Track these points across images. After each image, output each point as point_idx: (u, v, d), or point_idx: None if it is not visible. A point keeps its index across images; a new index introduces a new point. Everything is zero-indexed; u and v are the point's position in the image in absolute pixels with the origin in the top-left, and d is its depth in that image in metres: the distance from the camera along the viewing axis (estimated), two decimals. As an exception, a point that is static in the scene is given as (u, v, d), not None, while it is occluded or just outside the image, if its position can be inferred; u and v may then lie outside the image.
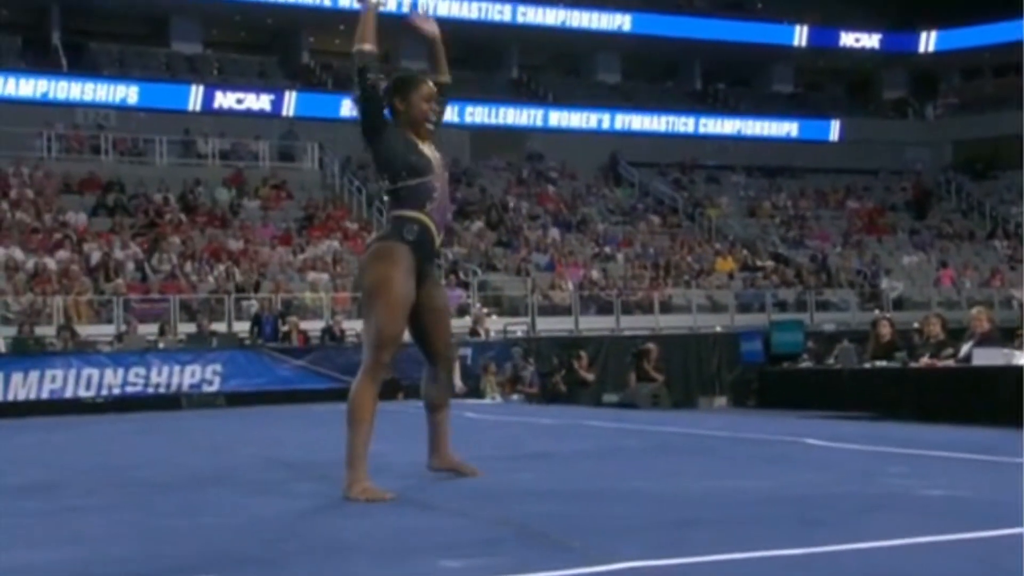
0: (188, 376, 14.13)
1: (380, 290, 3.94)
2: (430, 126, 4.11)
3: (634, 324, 19.69)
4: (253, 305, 16.98)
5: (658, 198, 27.48)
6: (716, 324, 20.37)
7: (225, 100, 25.60)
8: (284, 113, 25.85)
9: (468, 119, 27.67)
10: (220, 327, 16.18)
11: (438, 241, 4.03)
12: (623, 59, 31.58)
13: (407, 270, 3.96)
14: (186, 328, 16.21)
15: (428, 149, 4.07)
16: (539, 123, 28.85)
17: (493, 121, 28.03)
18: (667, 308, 20.50)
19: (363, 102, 3.91)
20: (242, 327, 16.34)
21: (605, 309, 19.95)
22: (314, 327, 16.58)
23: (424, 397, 4.41)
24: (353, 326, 16.98)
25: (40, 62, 25.20)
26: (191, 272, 18.35)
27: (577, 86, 31.17)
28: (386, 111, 4.05)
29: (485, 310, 18.56)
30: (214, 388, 14.22)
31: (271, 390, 14.26)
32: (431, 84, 4.16)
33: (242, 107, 25.67)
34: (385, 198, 4.06)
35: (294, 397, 14.01)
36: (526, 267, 20.79)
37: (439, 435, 4.40)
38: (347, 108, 26.60)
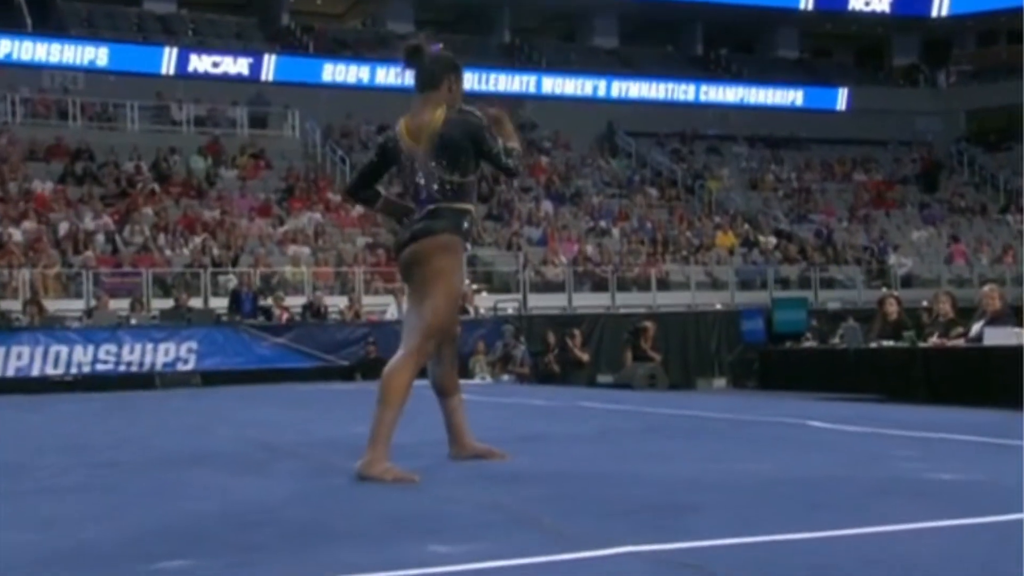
0: (162, 354, 14.10)
1: (444, 280, 4.12)
2: None
3: (630, 301, 19.70)
4: (231, 280, 16.94)
5: (656, 170, 27.44)
6: (716, 302, 20.40)
7: (200, 63, 25.44)
8: (263, 78, 25.72)
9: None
10: (196, 303, 16.12)
11: None
12: (621, 22, 31.45)
13: (463, 264, 4.23)
14: (160, 304, 16.17)
15: None
16: (532, 90, 28.74)
17: (483, 88, 27.87)
18: (665, 285, 20.53)
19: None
20: (219, 303, 16.29)
21: (600, 286, 19.97)
22: (295, 303, 16.56)
23: (433, 382, 4.44)
24: (336, 302, 16.99)
25: (3, 21, 24.96)
26: (165, 245, 18.28)
27: (572, 51, 31.05)
28: (438, 83, 4.22)
29: (475, 286, 18.56)
30: (189, 367, 14.19)
31: (250, 369, 14.24)
32: None
33: (218, 71, 25.53)
34: (447, 187, 4.16)
35: (274, 376, 14.01)
36: (517, 242, 20.78)
37: (457, 422, 4.45)
38: (329, 73, 26.50)
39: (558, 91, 28.90)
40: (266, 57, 26.00)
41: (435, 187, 4.16)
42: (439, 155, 4.16)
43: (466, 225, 4.22)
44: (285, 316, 15.73)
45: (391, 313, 16.72)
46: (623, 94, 29.60)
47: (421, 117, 4.23)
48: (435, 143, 4.16)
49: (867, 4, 32.64)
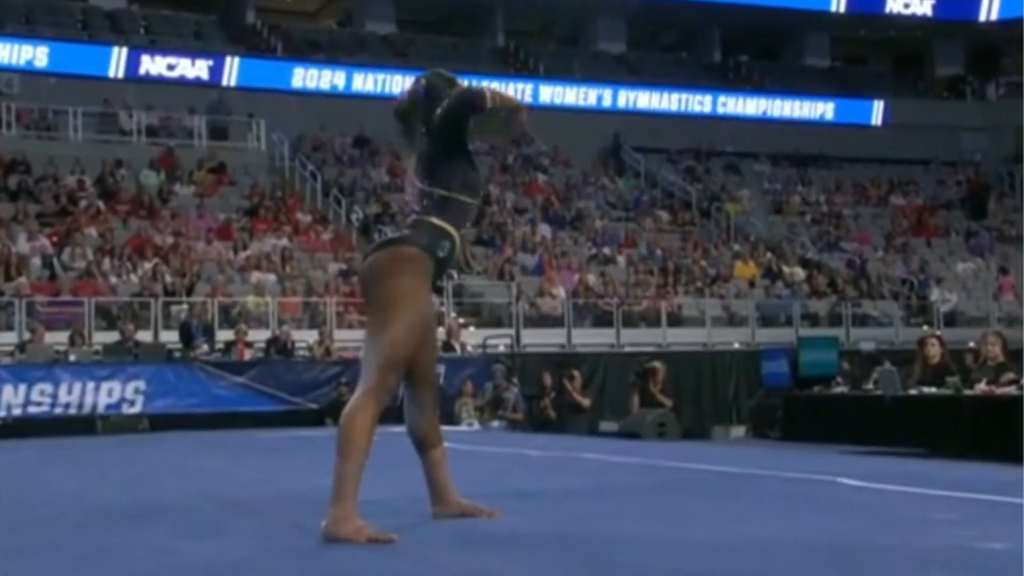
0: (104, 395, 14.04)
1: (403, 303, 4.08)
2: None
3: (637, 339, 19.72)
4: (184, 311, 16.93)
5: (667, 190, 27.56)
6: (734, 340, 20.41)
7: (153, 65, 25.55)
8: (224, 82, 25.83)
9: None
10: (144, 336, 16.10)
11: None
12: (628, 25, 31.71)
13: (429, 287, 4.19)
14: (103, 337, 16.11)
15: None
16: (528, 99, 28.80)
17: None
18: (676, 320, 20.55)
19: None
20: (170, 337, 16.28)
21: (603, 321, 19.98)
22: (258, 338, 16.56)
23: (412, 432, 4.42)
24: (304, 337, 16.97)
25: (-70, 16, 25.10)
26: (110, 270, 18.25)
27: (574, 56, 31.25)
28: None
29: (461, 320, 18.57)
30: (136, 409, 14.14)
31: (205, 412, 14.21)
32: None
33: (174, 74, 25.63)
34: (425, 201, 4.23)
35: (233, 421, 14.00)
36: (510, 270, 20.80)
37: (439, 477, 4.41)
38: (299, 78, 26.65)
39: (558, 101, 29.07)
40: (228, 59, 26.12)
41: (415, 201, 4.28)
42: (417, 165, 4.29)
43: (442, 252, 4.19)
44: (246, 352, 15.70)
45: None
46: (630, 105, 29.78)
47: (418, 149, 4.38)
48: (417, 159, 4.32)
49: (906, 6, 32.94)
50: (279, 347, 16.01)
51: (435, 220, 4.22)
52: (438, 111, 4.25)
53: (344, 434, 4.03)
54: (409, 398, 4.40)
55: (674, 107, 30.21)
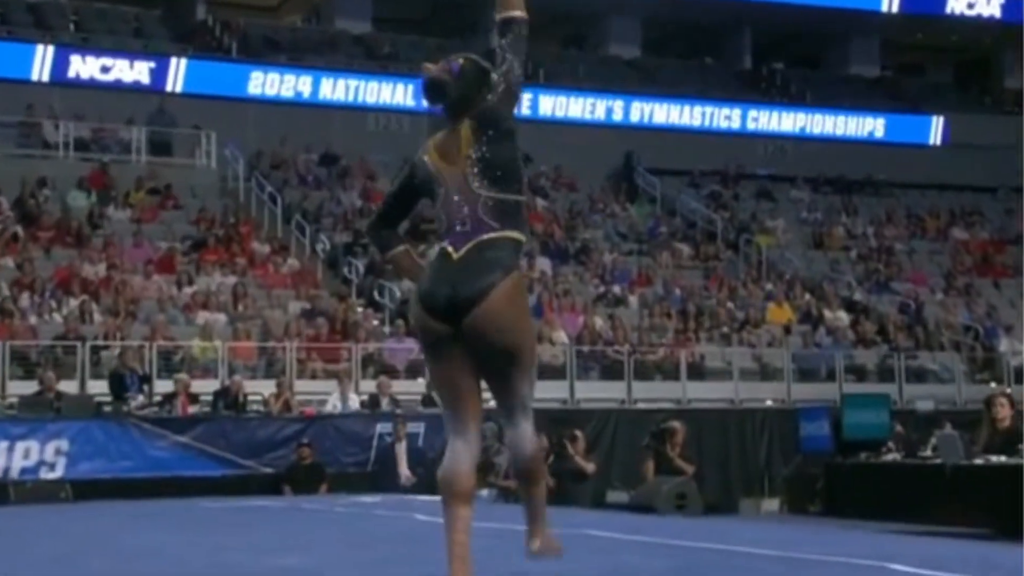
0: (20, 456, 13.94)
1: (531, 339, 4.73)
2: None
3: (652, 393, 19.69)
4: (116, 357, 16.89)
5: (688, 219, 27.61)
6: (766, 396, 20.39)
7: (85, 67, 25.60)
8: (169, 88, 25.89)
9: (426, 103, 27.77)
10: (69, 387, 16.02)
11: None
12: (645, 26, 31.89)
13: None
14: (19, 388, 16.06)
15: None
16: (525, 112, 28.95)
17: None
18: (698, 372, 20.53)
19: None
20: (100, 388, 16.20)
21: (612, 372, 19.95)
22: (204, 389, 16.51)
23: (459, 478, 4.69)
24: (259, 388, 16.93)
25: None
26: (29, 308, 18.21)
27: (580, 61, 31.42)
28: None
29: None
30: (57, 474, 14.05)
31: (140, 478, 14.15)
32: None
33: (109, 78, 25.67)
34: (500, 208, 4.60)
35: (174, 488, 13.95)
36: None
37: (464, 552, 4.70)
38: (257, 83, 26.70)
39: (560, 113, 29.17)
40: (174, 61, 26.18)
41: (482, 211, 4.56)
42: (480, 173, 4.59)
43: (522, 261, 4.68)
44: (190, 406, 15.66)
45: (333, 404, 16.63)
46: (646, 119, 29.90)
47: (455, 138, 4.66)
48: (472, 160, 4.60)
49: (970, 6, 33.13)
50: (229, 400, 15.94)
51: (518, 235, 4.61)
52: (503, 104, 4.65)
53: (535, 463, 4.74)
54: (464, 442, 4.70)
55: (697, 122, 30.34)
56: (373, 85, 27.37)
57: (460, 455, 4.61)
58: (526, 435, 4.64)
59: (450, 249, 4.55)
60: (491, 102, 4.65)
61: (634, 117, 29.85)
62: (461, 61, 4.71)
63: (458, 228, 4.56)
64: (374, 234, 5.05)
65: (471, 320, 4.45)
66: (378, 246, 5.12)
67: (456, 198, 4.58)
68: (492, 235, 4.53)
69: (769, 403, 20.05)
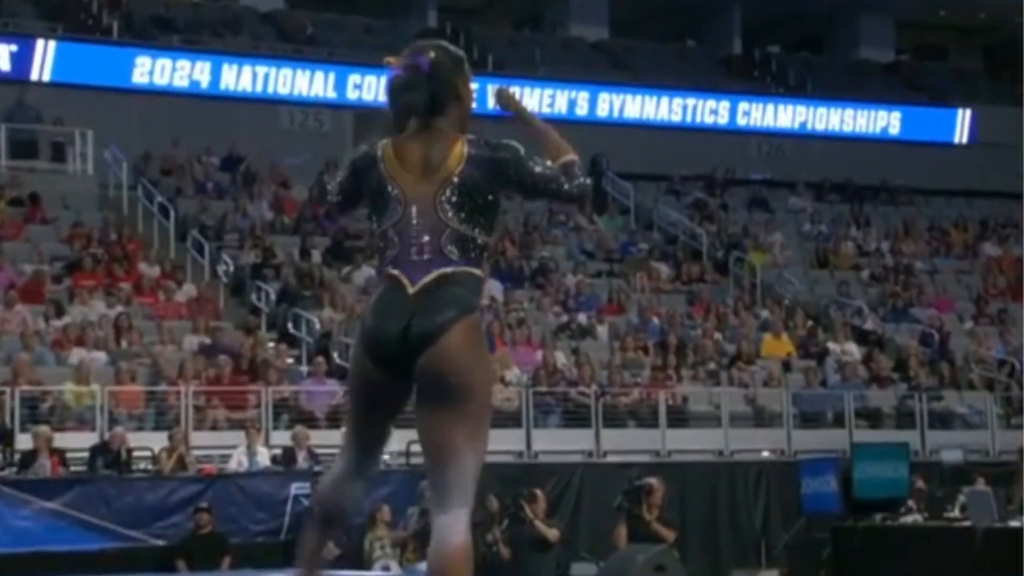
0: None
1: (490, 392, 4.77)
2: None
3: (625, 443, 19.63)
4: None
5: (668, 233, 27.65)
6: (762, 446, 20.40)
7: (-71, 52, 25.46)
8: (34, 77, 25.69)
9: (353, 94, 27.73)
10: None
11: None
12: (612, 2, 32.01)
13: None
14: None
15: None
16: (470, 104, 29.02)
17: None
18: (680, 418, 20.47)
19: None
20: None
21: (577, 418, 19.86)
22: (78, 444, 16.36)
23: (333, 503, 5.02)
24: (147, 442, 16.75)
25: None
26: None
27: (536, 45, 31.46)
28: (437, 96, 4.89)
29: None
30: None
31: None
32: None
33: (-40, 64, 25.53)
34: (468, 246, 4.75)
35: (42, 565, 13.80)
36: (445, 345, 20.73)
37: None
38: (144, 71, 26.59)
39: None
40: (40, 44, 25.99)
41: (450, 244, 4.68)
42: (457, 202, 4.70)
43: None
44: (60, 466, 15.47)
45: (238, 461, 16.49)
46: (615, 113, 29.99)
47: (427, 146, 4.78)
48: (452, 184, 4.71)
49: (1002, -21, 33.38)
50: (110, 458, 15.76)
51: (475, 271, 4.74)
52: (541, 172, 4.85)
53: (459, 563, 4.50)
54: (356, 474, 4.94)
55: (676, 117, 30.45)
56: (286, 72, 27.28)
57: (340, 477, 4.94)
58: (458, 525, 4.54)
59: (404, 280, 4.63)
60: (515, 149, 4.86)
61: (601, 111, 29.93)
62: (432, 54, 4.84)
63: (414, 256, 4.65)
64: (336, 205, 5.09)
65: (426, 359, 4.54)
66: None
67: (417, 221, 4.67)
68: (454, 269, 4.65)
69: (765, 454, 20.07)
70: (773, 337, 23.49)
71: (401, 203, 4.70)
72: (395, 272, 4.64)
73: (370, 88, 27.80)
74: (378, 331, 4.59)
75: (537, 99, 29.29)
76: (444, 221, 4.66)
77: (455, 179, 4.68)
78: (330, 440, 17.47)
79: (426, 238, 4.66)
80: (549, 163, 4.87)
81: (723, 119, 30.87)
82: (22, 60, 25.77)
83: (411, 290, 4.59)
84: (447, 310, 4.56)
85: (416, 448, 17.93)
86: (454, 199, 4.67)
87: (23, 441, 16.19)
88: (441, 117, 4.82)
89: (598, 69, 30.91)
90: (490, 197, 4.76)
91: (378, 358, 4.59)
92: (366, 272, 22.81)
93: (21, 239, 22.20)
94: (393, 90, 4.85)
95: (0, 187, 23.21)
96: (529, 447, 19.28)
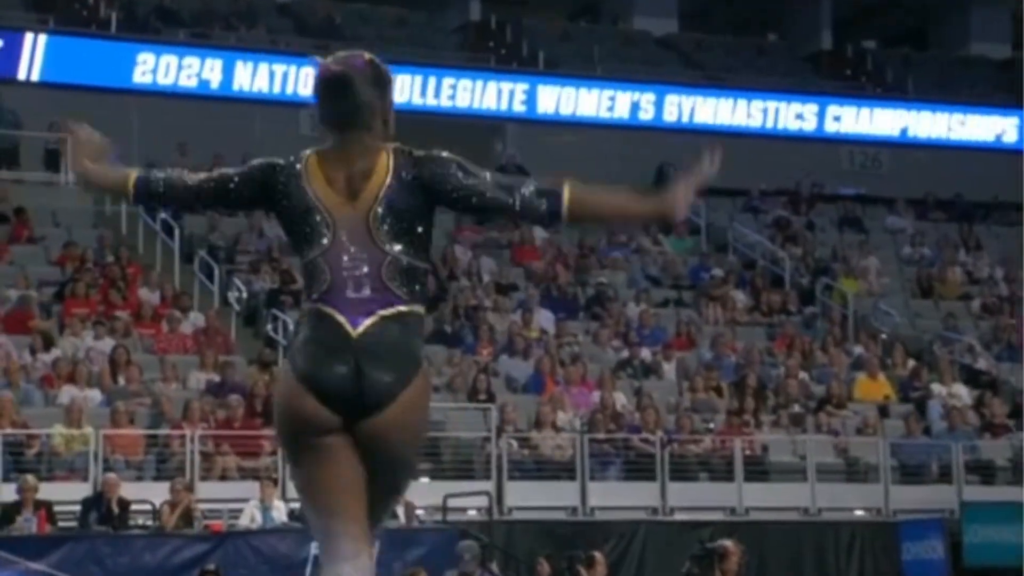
0: None
1: (417, 444, 4.94)
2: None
3: (695, 499, 19.67)
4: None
5: (746, 257, 27.62)
6: (855, 504, 20.34)
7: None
8: (21, 76, 25.80)
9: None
10: None
11: None
12: (682, -8, 32.08)
13: None
14: None
15: None
16: (519, 108, 29.03)
17: (431, 103, 28.18)
18: (759, 470, 20.46)
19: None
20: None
21: (639, 469, 19.88)
22: (69, 496, 16.41)
23: None
24: (147, 494, 16.80)
25: None
26: None
27: (594, 40, 31.47)
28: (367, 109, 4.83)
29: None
30: None
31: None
32: None
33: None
34: (410, 277, 4.74)
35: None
36: (487, 384, 20.73)
37: None
38: (146, 69, 26.70)
39: (567, 111, 29.19)
40: (28, 38, 26.09)
41: (393, 277, 4.69)
42: (392, 224, 4.69)
43: None
44: (47, 522, 15.51)
45: (251, 516, 16.51)
46: (685, 118, 29.90)
47: (350, 162, 4.75)
48: (383, 204, 4.69)
49: None
50: (104, 511, 15.81)
51: (418, 308, 4.73)
52: (482, 182, 4.72)
53: None
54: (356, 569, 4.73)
55: (756, 122, 30.33)
56: (308, 71, 27.30)
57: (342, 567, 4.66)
58: (352, 552, 4.65)
59: (341, 319, 4.61)
60: (450, 158, 4.74)
61: (668, 116, 29.84)
62: (366, 57, 4.86)
63: (351, 292, 4.64)
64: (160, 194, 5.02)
65: (375, 422, 4.60)
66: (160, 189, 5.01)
67: (353, 249, 4.66)
68: (400, 308, 4.66)
69: (859, 513, 19.98)
70: (868, 377, 23.40)
71: (329, 228, 4.69)
72: (329, 311, 4.62)
73: (404, 89, 27.84)
74: (318, 376, 4.58)
75: (595, 102, 29.27)
76: (382, 249, 4.67)
77: (384, 197, 4.67)
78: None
79: (364, 269, 4.66)
80: (488, 174, 4.76)
81: (809, 125, 30.69)
82: (8, 57, 25.84)
83: (354, 333, 4.60)
84: (399, 367, 4.62)
85: (454, 503, 18.03)
86: (388, 220, 4.67)
87: (6, 492, 16.27)
88: (367, 133, 4.79)
89: (665, 67, 30.88)
90: (426, 217, 4.74)
91: (330, 403, 4.58)
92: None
93: (5, 261, 22.35)
94: (328, 84, 4.84)
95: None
96: (585, 502, 19.29)
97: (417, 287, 4.70)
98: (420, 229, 4.71)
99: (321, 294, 4.66)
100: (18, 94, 25.45)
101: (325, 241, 4.67)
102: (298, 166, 4.74)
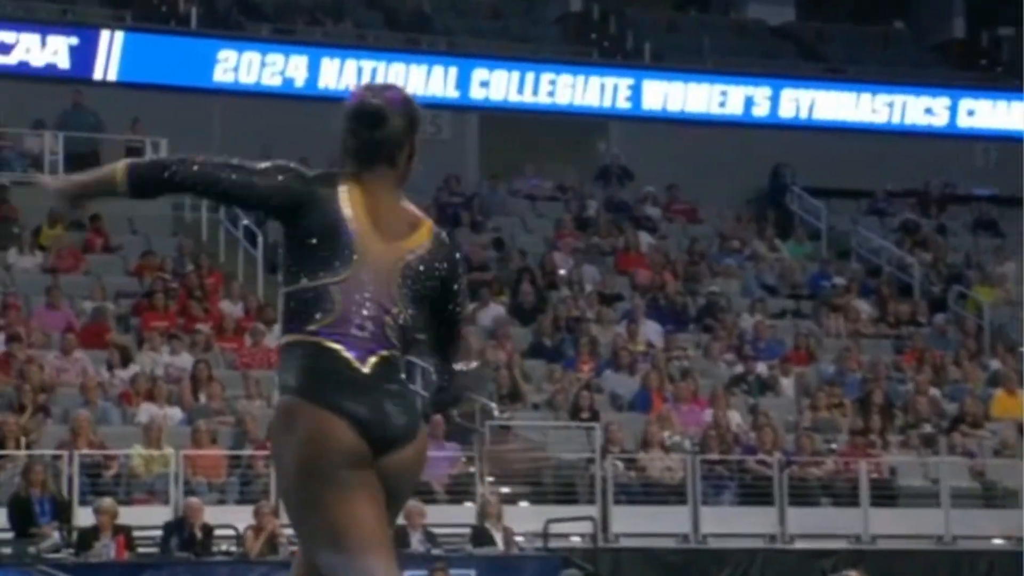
0: None
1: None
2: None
3: (817, 526, 19.55)
4: (17, 474, 16.88)
5: (870, 263, 27.44)
6: (993, 531, 20.12)
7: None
8: (97, 75, 25.98)
9: (479, 93, 27.88)
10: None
11: None
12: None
13: None
14: None
15: None
16: (623, 105, 29.00)
17: (528, 100, 28.19)
18: (887, 494, 20.31)
19: None
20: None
21: (755, 493, 19.82)
22: (149, 520, 16.52)
23: None
24: (230, 518, 16.87)
25: None
26: None
27: (703, 30, 31.40)
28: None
29: (505, 489, 18.50)
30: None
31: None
32: None
33: (9, 60, 25.78)
34: (411, 340, 4.95)
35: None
36: (590, 402, 20.71)
37: None
38: (228, 67, 26.83)
39: (674, 107, 29.12)
40: (104, 36, 26.30)
41: (389, 327, 4.85)
42: (410, 283, 4.90)
43: None
44: (125, 548, 15.61)
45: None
46: (804, 114, 29.76)
47: (392, 205, 4.97)
48: (415, 260, 4.91)
49: None
50: (186, 536, 15.89)
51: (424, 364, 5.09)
52: (462, 307, 5.07)
53: None
54: None
55: (881, 118, 30.13)
56: (397, 68, 27.42)
57: None
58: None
59: (349, 356, 4.74)
60: (464, 287, 5.08)
61: (786, 112, 29.73)
62: (403, 95, 5.05)
63: (355, 329, 4.77)
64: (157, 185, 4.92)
65: (400, 458, 4.82)
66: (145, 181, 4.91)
67: (371, 289, 4.83)
68: (394, 353, 4.83)
69: (997, 542, 19.78)
70: (1006, 394, 23.16)
71: (352, 259, 4.82)
72: (331, 345, 4.73)
73: (499, 86, 27.90)
74: (353, 410, 4.71)
75: (705, 98, 29.15)
76: (395, 302, 4.84)
77: (418, 256, 4.89)
78: (451, 517, 17.60)
79: (368, 310, 4.81)
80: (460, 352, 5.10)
81: (940, 120, 30.45)
82: (84, 56, 26.07)
83: (364, 369, 4.75)
84: (409, 411, 4.83)
85: (556, 529, 17.98)
86: (411, 279, 4.88)
87: (83, 516, 16.42)
88: (391, 169, 4.98)
89: (782, 59, 30.74)
90: (428, 304, 4.97)
91: (362, 435, 4.73)
92: (494, 311, 22.92)
93: (80, 271, 22.53)
94: (358, 121, 4.99)
95: (55, 209, 23.22)
96: (696, 529, 19.22)
97: (418, 351, 4.99)
98: (423, 310, 4.93)
99: (323, 326, 4.75)
100: (96, 95, 25.54)
101: (344, 271, 4.81)
102: (336, 188, 4.88)
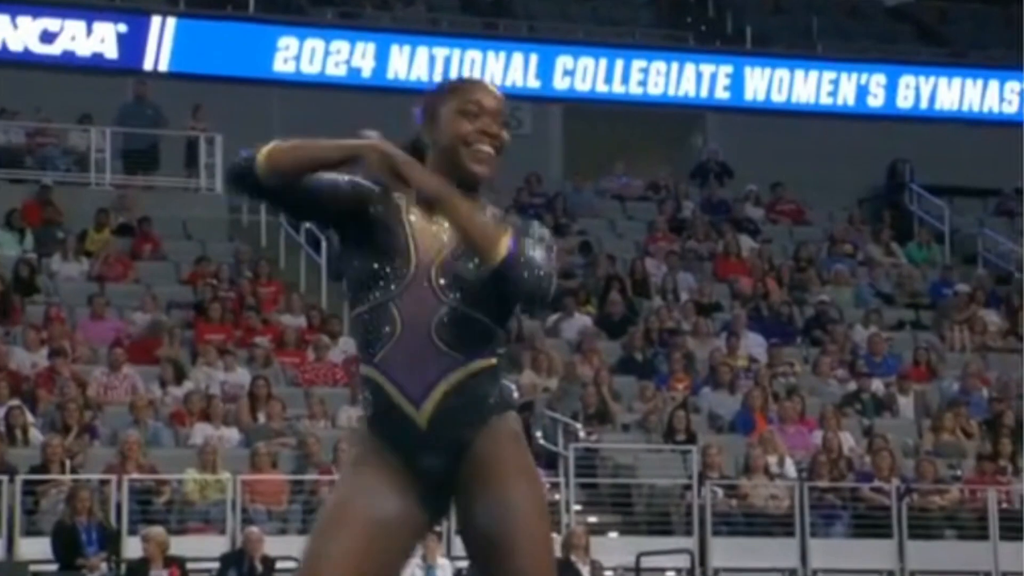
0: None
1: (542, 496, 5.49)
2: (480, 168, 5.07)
3: (941, 561, 19.52)
4: (63, 500, 17.02)
5: (999, 269, 27.32)
6: None
7: (15, 35, 25.97)
8: (148, 66, 26.20)
9: (563, 82, 27.92)
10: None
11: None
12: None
13: None
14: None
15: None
16: (722, 94, 29.00)
17: (618, 90, 28.23)
18: (1017, 527, 20.03)
19: None
20: (37, 548, 16.43)
21: (871, 525, 19.75)
22: (206, 550, 16.64)
23: None
24: (292, 548, 16.93)
25: None
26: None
27: (812, 11, 31.33)
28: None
29: (593, 519, 18.43)
30: None
31: None
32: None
33: (53, 50, 26.02)
34: (493, 359, 4.91)
35: None
36: (686, 423, 20.70)
37: None
38: (289, 56, 26.94)
39: (779, 98, 29.12)
40: (156, 23, 26.55)
41: (436, 332, 4.78)
42: (484, 291, 4.80)
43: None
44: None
45: (412, 574, 16.62)
46: (924, 104, 29.69)
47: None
48: (491, 268, 4.75)
49: None
50: (245, 568, 16.05)
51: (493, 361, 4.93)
52: (539, 272, 4.73)
53: None
54: None
55: (1011, 108, 30.00)
56: (473, 55, 27.52)
57: None
58: None
59: (405, 405, 4.77)
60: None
61: (903, 102, 29.68)
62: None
63: (409, 350, 4.74)
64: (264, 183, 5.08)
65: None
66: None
67: (417, 296, 4.77)
68: (469, 367, 4.80)
69: None
70: None
71: (408, 271, 4.80)
72: (385, 382, 4.78)
73: (586, 74, 27.94)
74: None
75: (813, 86, 29.09)
76: (438, 299, 4.78)
77: (499, 263, 4.72)
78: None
79: (444, 319, 4.78)
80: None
81: (1084, 108, 30.26)
82: (133, 44, 26.33)
83: (419, 419, 4.78)
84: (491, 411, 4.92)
85: (648, 562, 18.01)
86: (486, 285, 4.76)
87: (132, 546, 16.53)
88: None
89: (899, 43, 30.65)
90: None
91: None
92: (580, 322, 22.93)
93: (129, 279, 22.68)
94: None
95: (103, 211, 23.50)
96: (805, 562, 19.22)
97: (496, 353, 4.86)
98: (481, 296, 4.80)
99: (381, 353, 4.77)
100: (153, 87, 25.63)
101: (394, 287, 4.79)
102: (399, 200, 4.95)
